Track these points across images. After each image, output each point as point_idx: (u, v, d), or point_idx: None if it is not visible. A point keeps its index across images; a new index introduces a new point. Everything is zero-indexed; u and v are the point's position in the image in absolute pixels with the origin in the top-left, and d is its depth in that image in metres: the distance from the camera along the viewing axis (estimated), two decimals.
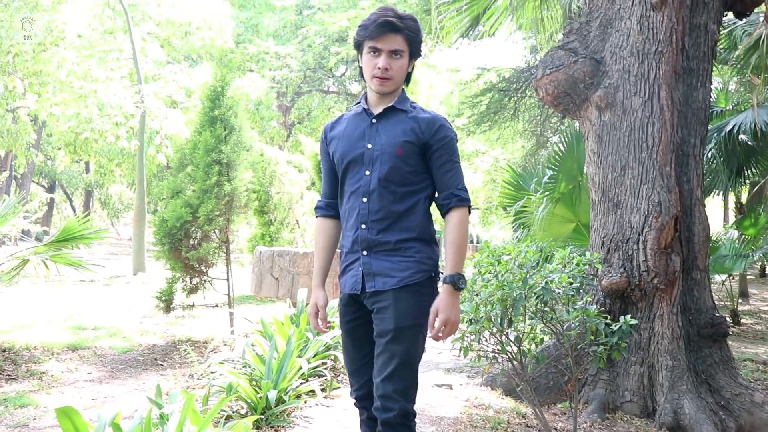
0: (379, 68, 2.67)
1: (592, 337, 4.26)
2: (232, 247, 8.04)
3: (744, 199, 12.48)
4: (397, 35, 2.66)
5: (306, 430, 4.40)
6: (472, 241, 26.18)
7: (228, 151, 7.45)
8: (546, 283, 4.08)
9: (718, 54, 6.46)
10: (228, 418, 4.52)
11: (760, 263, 16.65)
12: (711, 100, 5.58)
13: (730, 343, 5.61)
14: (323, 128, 2.97)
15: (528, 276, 4.09)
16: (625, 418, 4.91)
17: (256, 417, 4.26)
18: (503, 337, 4.25)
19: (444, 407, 4.98)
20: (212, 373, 5.30)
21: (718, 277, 10.19)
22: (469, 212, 2.74)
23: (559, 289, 4.14)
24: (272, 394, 4.52)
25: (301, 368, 5.03)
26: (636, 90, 5.20)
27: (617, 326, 4.21)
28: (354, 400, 2.87)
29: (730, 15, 6.30)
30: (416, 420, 2.66)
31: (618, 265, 5.14)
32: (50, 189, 37.05)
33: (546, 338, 5.20)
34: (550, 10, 8.33)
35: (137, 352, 7.24)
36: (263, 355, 5.21)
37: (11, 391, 5.60)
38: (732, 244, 9.70)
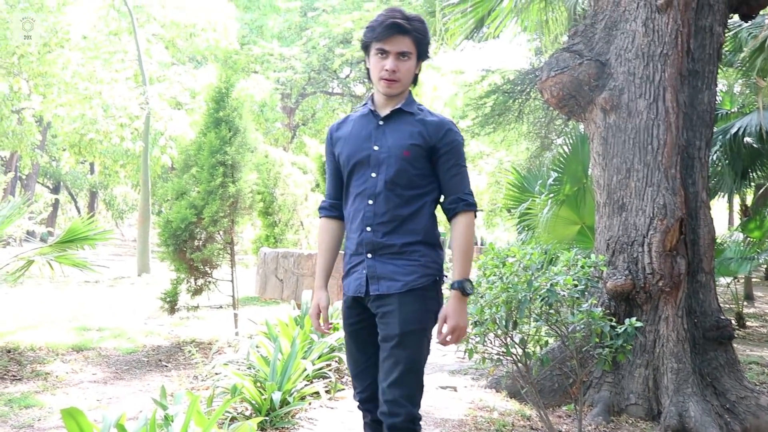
0: (386, 70, 2.65)
1: (597, 340, 4.26)
2: (237, 249, 8.05)
3: (749, 201, 12.46)
4: (405, 37, 2.64)
5: (310, 431, 4.40)
6: (476, 243, 26.14)
7: (233, 152, 7.46)
8: (551, 285, 4.08)
9: (723, 56, 6.45)
10: (232, 419, 4.52)
11: (765, 266, 16.61)
12: (716, 102, 5.56)
13: (735, 345, 5.60)
14: (329, 129, 2.95)
15: (533, 278, 4.09)
16: (630, 421, 4.90)
17: (260, 418, 4.26)
18: (508, 339, 4.24)
19: (448, 409, 4.98)
20: (217, 374, 5.30)
21: (723, 280, 10.16)
22: (475, 216, 2.74)
23: (564, 291, 4.14)
24: (277, 396, 4.52)
25: (305, 370, 5.03)
26: (641, 92, 5.19)
27: (622, 329, 4.21)
28: (357, 403, 2.86)
29: (736, 17, 6.29)
30: (421, 423, 2.66)
31: (623, 267, 5.13)
32: (55, 190, 37.13)
33: (551, 340, 5.20)
34: (555, 12, 8.33)
35: (142, 353, 7.25)
36: (268, 357, 5.21)
37: (16, 391, 5.61)
38: (737, 247, 9.68)
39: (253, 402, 4.57)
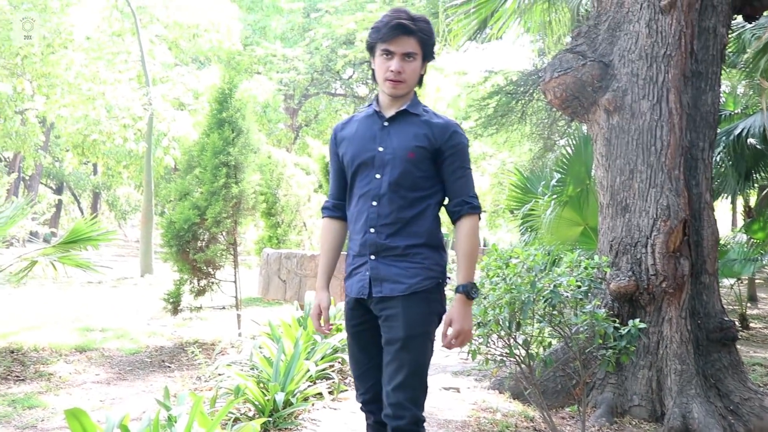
0: (391, 71, 2.64)
1: (601, 341, 4.25)
2: (240, 249, 8.05)
3: (753, 202, 12.42)
4: (410, 38, 2.63)
5: None
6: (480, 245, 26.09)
7: (236, 153, 7.46)
8: (554, 286, 4.07)
9: (726, 57, 6.43)
10: (236, 420, 4.52)
11: None
12: (720, 103, 5.56)
13: (738, 347, 5.59)
14: (333, 128, 2.93)
15: (536, 279, 4.08)
16: (634, 422, 4.90)
17: (263, 419, 4.26)
18: (511, 340, 4.24)
19: (452, 410, 4.98)
20: (220, 375, 5.30)
21: (726, 281, 10.15)
22: (479, 219, 2.73)
23: (567, 292, 4.14)
24: (280, 397, 4.52)
25: (308, 371, 5.03)
26: (644, 93, 5.19)
27: (626, 330, 4.20)
28: (360, 404, 2.85)
29: (739, 18, 6.28)
30: (424, 424, 2.66)
31: (626, 268, 5.12)
32: (58, 191, 37.18)
33: (554, 342, 5.19)
34: (558, 13, 8.32)
35: (145, 353, 7.26)
36: (271, 358, 5.21)
37: (19, 392, 5.62)
38: (741, 248, 9.66)
39: (256, 403, 4.57)
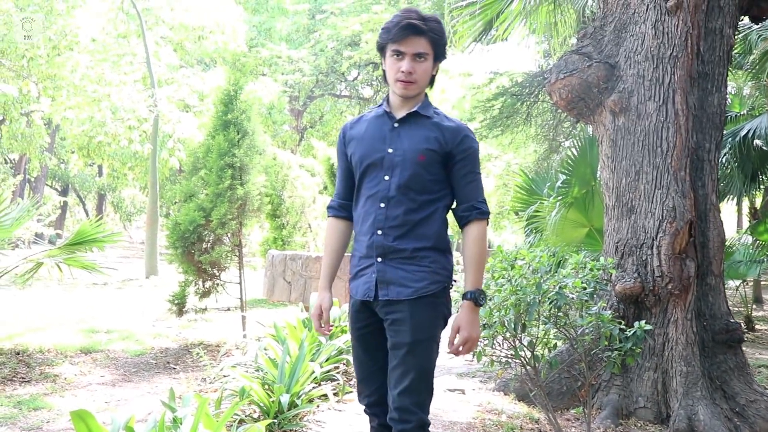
0: (402, 71, 2.61)
1: (606, 343, 4.25)
2: (245, 251, 8.06)
3: (758, 204, 12.39)
4: (421, 38, 2.60)
5: None
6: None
7: (241, 154, 7.47)
8: (559, 288, 4.07)
9: (733, 59, 6.42)
10: (241, 422, 4.52)
11: None
12: (726, 104, 5.54)
13: (744, 349, 5.57)
14: (342, 127, 2.90)
15: (542, 281, 4.08)
16: (639, 424, 4.89)
17: (268, 421, 4.26)
18: (516, 342, 4.23)
19: (457, 412, 4.97)
20: (225, 376, 5.30)
21: (732, 283, 10.12)
22: (487, 224, 2.72)
23: (572, 294, 4.13)
24: (285, 398, 4.52)
25: (313, 372, 5.03)
26: (650, 95, 5.18)
27: (631, 332, 4.20)
28: (364, 407, 2.84)
29: (746, 19, 6.26)
30: (430, 427, 2.65)
31: (632, 270, 5.11)
32: (63, 192, 37.28)
33: (559, 343, 5.19)
34: (564, 14, 8.30)
35: (150, 355, 7.26)
36: (276, 359, 5.21)
37: (25, 393, 5.62)
38: (746, 250, 9.64)
39: (261, 404, 4.57)
